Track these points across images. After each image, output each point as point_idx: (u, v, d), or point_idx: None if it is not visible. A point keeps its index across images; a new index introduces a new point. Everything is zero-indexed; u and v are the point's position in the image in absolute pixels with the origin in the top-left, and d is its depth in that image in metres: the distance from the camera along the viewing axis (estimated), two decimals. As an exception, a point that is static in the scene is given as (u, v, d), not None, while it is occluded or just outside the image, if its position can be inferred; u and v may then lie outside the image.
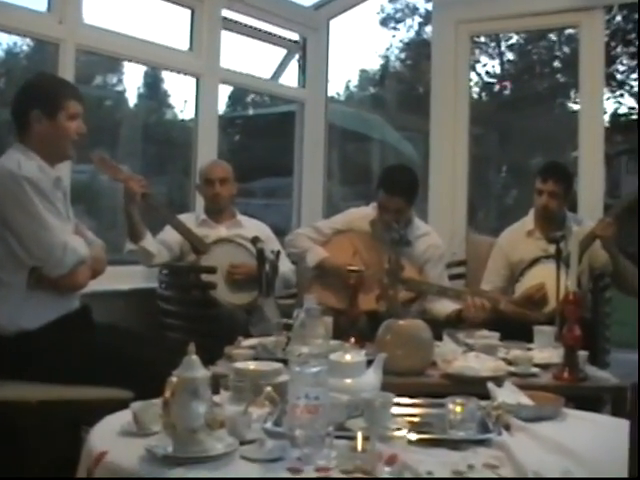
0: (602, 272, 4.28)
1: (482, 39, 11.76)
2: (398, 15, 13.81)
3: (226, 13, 5.20)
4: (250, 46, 5.60)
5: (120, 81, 8.52)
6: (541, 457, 1.93)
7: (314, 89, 5.92)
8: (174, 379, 1.85)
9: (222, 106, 8.62)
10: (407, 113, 11.43)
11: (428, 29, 10.28)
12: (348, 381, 2.32)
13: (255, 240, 3.97)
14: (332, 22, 5.96)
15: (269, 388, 2.19)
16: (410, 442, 1.91)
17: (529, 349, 3.39)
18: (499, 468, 1.86)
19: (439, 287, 4.20)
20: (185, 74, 5.18)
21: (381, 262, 3.70)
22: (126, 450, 1.92)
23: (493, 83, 12.99)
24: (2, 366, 2.90)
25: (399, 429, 1.88)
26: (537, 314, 3.89)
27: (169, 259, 4.33)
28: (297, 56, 5.93)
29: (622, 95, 10.82)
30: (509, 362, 3.13)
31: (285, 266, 4.33)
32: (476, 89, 12.03)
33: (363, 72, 13.61)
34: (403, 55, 14.06)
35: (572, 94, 11.03)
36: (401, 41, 14.11)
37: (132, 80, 11.27)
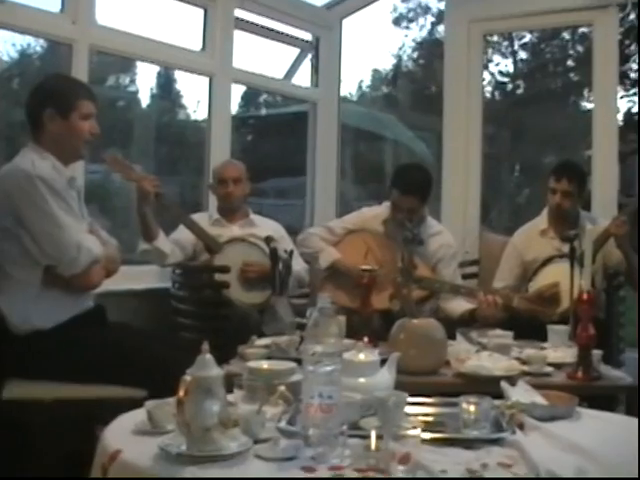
0: (616, 271, 4.27)
1: (495, 38, 11.71)
2: (411, 14, 13.77)
3: (239, 13, 5.21)
4: (263, 46, 5.61)
5: (133, 81, 8.54)
6: (555, 456, 1.93)
7: (327, 89, 5.93)
8: (188, 378, 1.85)
9: (235, 106, 8.64)
10: (420, 112, 11.41)
11: (441, 28, 10.24)
12: (362, 380, 2.32)
13: (268, 239, 3.98)
14: (345, 22, 5.97)
15: (283, 387, 2.19)
16: (424, 441, 1.91)
17: (543, 348, 3.38)
18: (513, 467, 1.86)
19: (452, 285, 4.20)
20: (198, 74, 5.19)
21: (394, 261, 3.70)
22: (140, 449, 1.92)
23: (506, 82, 12.95)
24: (16, 365, 2.92)
25: (413, 428, 1.88)
26: (550, 311, 3.88)
27: (182, 259, 4.33)
28: (310, 56, 5.93)
29: (636, 94, 10.76)
30: (523, 361, 3.13)
31: (298, 265, 4.32)
32: (489, 88, 11.98)
33: (376, 72, 13.59)
34: (416, 54, 14.01)
35: (586, 93, 11.00)
36: (414, 40, 14.08)
37: (145, 80, 11.31)
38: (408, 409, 2.21)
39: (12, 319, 2.94)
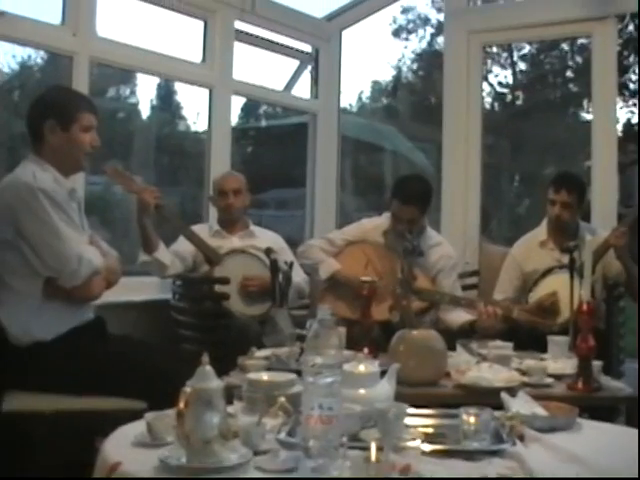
0: (616, 281, 4.27)
1: (494, 49, 11.75)
2: (410, 26, 13.79)
3: (238, 25, 5.22)
4: (263, 58, 5.62)
5: (133, 93, 8.53)
6: (555, 467, 1.93)
7: (326, 100, 5.94)
8: (188, 389, 1.85)
9: (235, 118, 8.64)
10: (420, 123, 11.42)
11: (440, 40, 10.26)
12: (362, 391, 2.32)
13: (268, 251, 3.99)
14: (344, 33, 5.99)
15: (283, 399, 2.19)
16: (424, 453, 1.91)
17: (543, 359, 3.38)
18: (514, 478, 1.86)
19: (452, 297, 4.20)
20: (198, 86, 5.20)
21: (394, 272, 3.70)
22: (140, 460, 1.92)
23: (505, 93, 12.97)
24: (16, 376, 2.91)
25: (413, 439, 1.88)
26: (549, 322, 3.88)
27: (182, 270, 4.33)
28: (309, 67, 5.95)
29: (635, 104, 10.78)
30: (523, 372, 3.13)
31: (298, 277, 4.33)
32: (488, 99, 12.00)
33: (375, 83, 13.60)
34: (415, 66, 14.03)
35: (585, 104, 11.01)
36: (413, 52, 14.10)
37: (145, 92, 11.29)
38: (408, 420, 2.21)
39: (12, 330, 2.94)
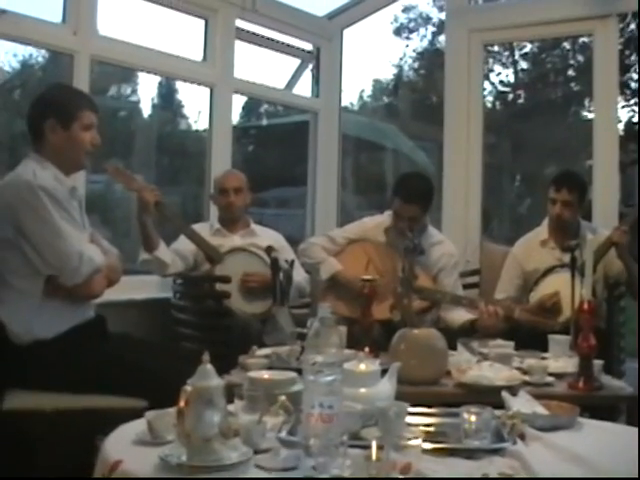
0: (617, 281, 4.27)
1: (496, 48, 11.74)
2: (411, 25, 13.78)
3: (239, 23, 5.22)
4: (264, 56, 5.63)
5: (134, 92, 8.54)
6: (556, 466, 1.93)
7: (328, 99, 5.94)
8: (188, 388, 1.85)
9: (236, 116, 8.63)
10: (421, 122, 11.41)
11: (441, 38, 10.25)
12: (362, 390, 2.32)
13: (269, 249, 3.99)
14: (346, 32, 5.99)
15: (283, 397, 2.19)
16: (424, 451, 1.91)
17: (544, 358, 3.38)
18: (514, 477, 1.85)
19: (453, 296, 4.19)
20: (199, 84, 5.20)
21: (395, 271, 3.70)
22: (140, 459, 1.92)
23: (507, 92, 12.96)
24: (17, 375, 2.91)
25: (414, 438, 1.88)
26: (551, 322, 3.88)
27: (183, 269, 4.34)
28: (311, 66, 5.95)
29: (636, 103, 10.77)
30: (524, 371, 3.12)
31: (299, 275, 4.33)
32: (490, 98, 11.99)
33: (377, 82, 13.60)
34: (417, 64, 14.03)
35: (586, 103, 11.00)
36: (414, 50, 14.09)
37: (146, 90, 11.32)
38: (409, 419, 2.21)
39: (13, 329, 2.94)
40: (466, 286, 4.64)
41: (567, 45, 12.07)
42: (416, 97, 13.57)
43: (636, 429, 2.23)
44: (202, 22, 5.07)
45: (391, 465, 1.77)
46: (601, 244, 4.06)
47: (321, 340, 1.90)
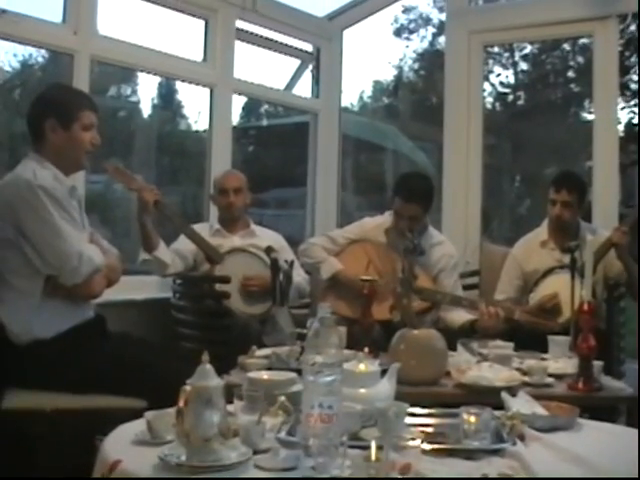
0: (617, 282, 4.26)
1: (496, 49, 11.74)
2: (412, 25, 13.78)
3: (240, 24, 5.23)
4: (264, 57, 5.63)
5: (134, 92, 8.54)
6: (556, 467, 1.93)
7: (328, 99, 5.94)
8: (188, 388, 1.85)
9: (236, 117, 8.65)
10: (421, 123, 11.41)
11: (441, 39, 10.24)
12: (362, 390, 2.32)
13: (269, 250, 3.99)
14: (346, 32, 5.99)
15: (283, 397, 2.19)
16: (424, 452, 1.91)
17: (543, 359, 3.38)
18: (514, 478, 1.85)
19: (454, 297, 4.19)
20: (199, 85, 5.20)
21: (395, 271, 3.70)
22: (140, 459, 1.92)
23: (507, 93, 12.96)
24: (16, 374, 2.92)
25: (413, 439, 1.88)
26: (551, 323, 3.88)
27: (183, 269, 4.34)
28: (311, 67, 5.95)
29: (636, 104, 10.76)
30: (523, 372, 3.12)
31: (299, 276, 4.33)
32: (489, 99, 11.99)
33: (377, 82, 13.59)
34: (417, 65, 14.02)
35: (586, 104, 11.00)
36: (414, 51, 14.09)
37: (146, 91, 11.31)
38: (408, 420, 2.21)
39: (13, 328, 2.94)
40: (466, 287, 4.64)
41: (567, 46, 12.07)
42: (416, 98, 13.57)
43: (636, 430, 2.23)
44: (202, 22, 5.07)
45: (390, 465, 1.77)
46: (601, 245, 4.06)
47: (321, 340, 1.91)
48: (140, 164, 6.50)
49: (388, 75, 13.81)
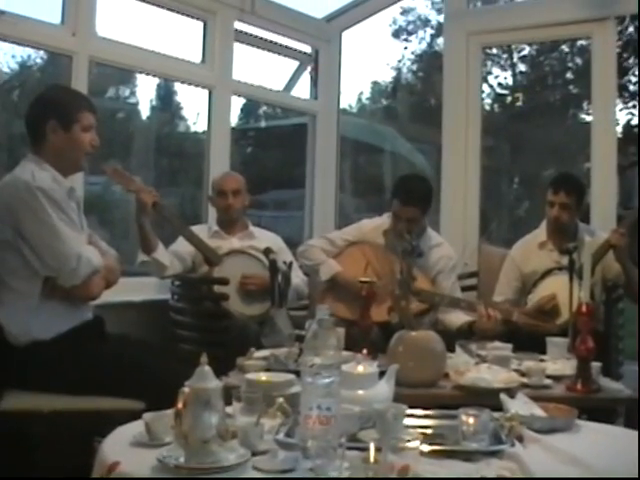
0: (615, 283, 4.26)
1: (494, 50, 11.75)
2: (410, 27, 13.78)
3: (238, 25, 5.22)
4: (262, 58, 5.63)
5: (133, 93, 8.54)
6: (554, 469, 1.93)
7: (326, 101, 5.94)
8: (186, 390, 1.85)
9: (234, 118, 8.64)
10: (419, 125, 11.42)
11: (440, 41, 10.25)
12: (360, 392, 2.32)
13: (267, 251, 3.98)
14: (344, 34, 5.99)
15: (281, 399, 2.19)
16: (422, 453, 1.91)
17: (542, 360, 3.38)
18: (512, 479, 1.85)
19: (452, 299, 4.19)
20: (198, 86, 5.20)
21: (394, 273, 3.69)
22: (138, 460, 1.92)
23: (505, 94, 12.97)
24: (15, 375, 2.91)
25: (411, 440, 1.88)
26: (550, 325, 3.89)
27: (181, 270, 4.33)
28: (309, 68, 5.95)
29: (635, 106, 10.78)
30: (522, 373, 3.13)
31: (297, 277, 4.33)
32: (488, 100, 11.99)
33: (375, 84, 13.60)
34: (415, 67, 14.03)
35: (584, 105, 11.01)
36: (413, 53, 14.09)
37: (145, 92, 11.30)
38: (407, 421, 2.21)
39: (11, 330, 2.93)
40: (464, 288, 4.64)
41: (565, 48, 12.08)
42: (414, 99, 13.58)
43: (635, 432, 2.23)
44: (201, 24, 5.07)
45: (389, 467, 1.77)
46: (599, 247, 4.06)
47: (319, 342, 1.91)
48: (139, 166, 6.50)
49: (386, 77, 13.82)
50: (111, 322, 3.33)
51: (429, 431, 2.30)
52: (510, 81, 13.00)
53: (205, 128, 5.32)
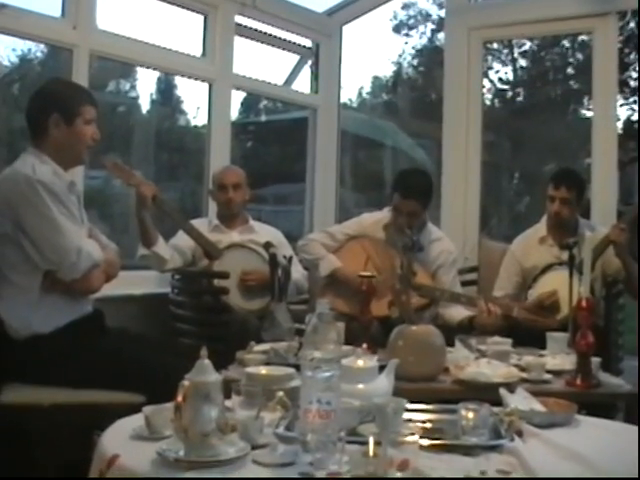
0: (615, 279, 4.26)
1: (495, 46, 11.74)
2: (411, 22, 13.78)
3: (239, 19, 5.22)
4: (263, 52, 5.62)
5: (133, 87, 8.54)
6: (554, 463, 1.93)
7: (327, 95, 5.94)
8: (186, 383, 1.85)
9: (235, 112, 8.65)
10: (420, 120, 11.41)
11: (441, 36, 10.24)
12: (360, 386, 2.32)
13: (267, 245, 3.98)
14: (345, 28, 5.98)
15: (281, 393, 2.19)
16: (422, 448, 1.91)
17: (542, 355, 3.38)
18: (511, 474, 1.86)
19: (452, 294, 4.19)
20: (198, 80, 5.19)
21: (394, 268, 3.69)
22: (138, 454, 1.92)
23: (506, 90, 12.97)
24: (15, 369, 2.91)
25: (411, 435, 1.88)
26: (550, 320, 3.89)
27: (181, 264, 4.33)
28: (310, 62, 5.94)
29: (635, 102, 10.78)
30: (522, 368, 3.12)
31: (297, 272, 4.33)
32: (489, 96, 12.00)
33: (376, 79, 13.60)
34: (416, 62, 14.03)
35: (585, 101, 11.02)
36: (414, 48, 14.10)
37: (145, 86, 11.32)
38: (407, 415, 2.21)
39: (11, 323, 2.94)
40: (464, 283, 4.65)
41: (566, 43, 12.08)
42: (415, 94, 13.58)
43: (635, 427, 2.23)
44: (201, 18, 5.06)
45: (389, 461, 1.77)
46: (599, 242, 4.06)
47: (319, 336, 1.91)
48: (139, 160, 6.50)
49: (387, 71, 13.84)
50: (111, 316, 3.33)
51: (429, 425, 2.30)
52: (511, 76, 13.00)
53: (205, 122, 5.32)
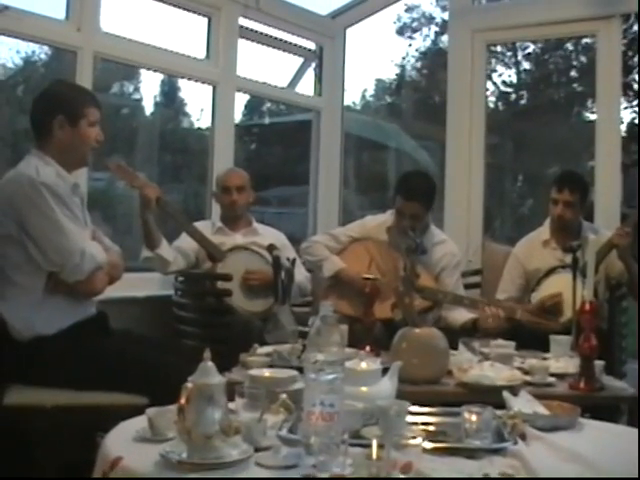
0: (619, 282, 4.26)
1: (498, 48, 11.73)
2: (414, 24, 13.78)
3: (243, 21, 5.22)
4: (267, 54, 5.62)
5: (137, 89, 8.54)
6: (557, 466, 1.92)
7: (330, 98, 5.94)
8: (190, 385, 1.85)
9: (238, 114, 8.63)
10: (423, 122, 11.40)
11: (444, 38, 10.24)
12: (363, 389, 2.31)
13: (271, 248, 3.97)
14: (348, 31, 5.99)
15: (284, 395, 2.20)
16: (425, 450, 1.91)
17: (545, 358, 3.38)
18: (515, 477, 1.85)
19: (455, 296, 4.19)
20: (202, 82, 5.19)
21: (397, 270, 3.70)
22: (141, 456, 1.92)
23: (509, 92, 12.96)
24: (18, 370, 2.91)
25: (414, 437, 1.88)
26: (553, 323, 3.89)
27: (185, 266, 4.33)
28: (313, 65, 5.94)
29: (639, 104, 10.76)
30: (525, 371, 3.12)
31: (301, 274, 4.33)
32: (492, 98, 11.99)
33: (379, 81, 13.59)
34: (419, 64, 14.03)
35: (589, 103, 10.99)
36: (417, 50, 14.08)
37: (149, 88, 11.31)
38: (410, 418, 2.21)
39: (15, 325, 2.94)
40: (468, 286, 4.64)
41: (570, 46, 12.07)
42: (418, 97, 13.57)
43: (636, 430, 2.23)
44: (205, 20, 5.07)
45: (392, 464, 1.77)
46: (603, 245, 4.05)
47: (322, 338, 1.91)
48: (142, 162, 6.51)
49: (391, 74, 13.82)
50: (114, 317, 3.33)
51: (432, 428, 2.30)
52: (514, 79, 12.98)
53: (209, 124, 5.33)
